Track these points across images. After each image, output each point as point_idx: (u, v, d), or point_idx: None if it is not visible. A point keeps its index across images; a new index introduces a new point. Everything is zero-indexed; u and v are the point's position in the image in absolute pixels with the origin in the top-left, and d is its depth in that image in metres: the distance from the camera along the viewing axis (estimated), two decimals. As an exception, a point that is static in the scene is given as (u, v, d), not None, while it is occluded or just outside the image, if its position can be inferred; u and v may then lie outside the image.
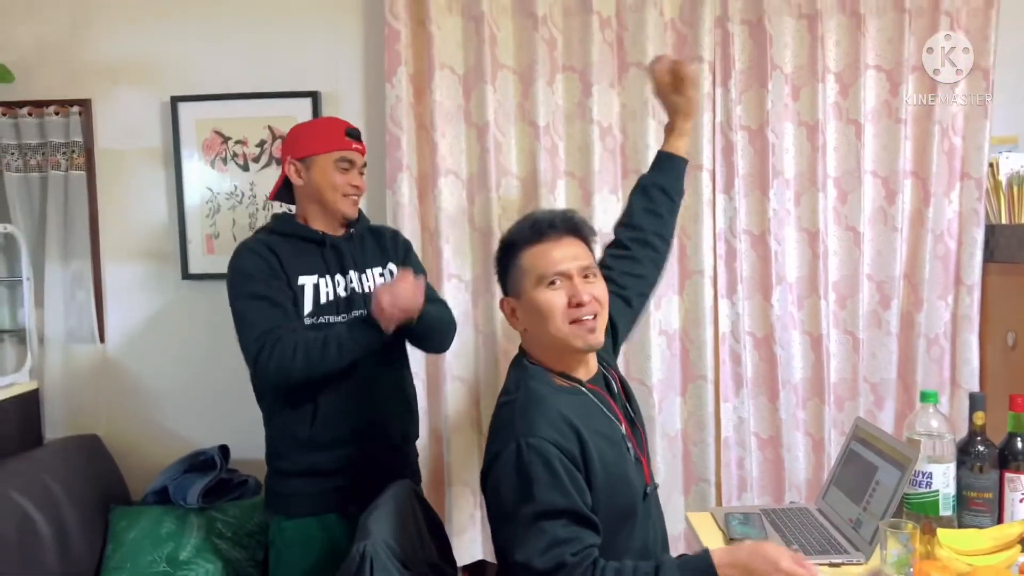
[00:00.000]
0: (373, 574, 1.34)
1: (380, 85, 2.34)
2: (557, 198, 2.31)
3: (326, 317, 1.81)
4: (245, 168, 2.45)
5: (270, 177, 2.39)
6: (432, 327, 1.84)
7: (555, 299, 1.43)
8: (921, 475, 1.55)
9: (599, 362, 1.55)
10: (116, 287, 2.52)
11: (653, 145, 2.24)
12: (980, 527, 1.55)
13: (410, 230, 2.29)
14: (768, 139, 2.28)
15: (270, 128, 2.43)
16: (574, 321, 1.42)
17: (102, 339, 2.52)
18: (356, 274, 1.87)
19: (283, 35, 2.42)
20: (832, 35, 2.29)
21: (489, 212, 2.29)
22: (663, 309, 2.34)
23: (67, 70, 2.47)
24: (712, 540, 1.63)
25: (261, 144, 2.44)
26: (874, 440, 1.68)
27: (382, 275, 1.92)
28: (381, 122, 2.33)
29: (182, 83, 2.44)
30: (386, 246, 1.96)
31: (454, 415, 2.35)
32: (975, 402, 1.64)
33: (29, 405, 2.45)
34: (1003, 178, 2.26)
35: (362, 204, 2.01)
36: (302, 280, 1.80)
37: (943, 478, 1.56)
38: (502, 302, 1.54)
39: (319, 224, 1.87)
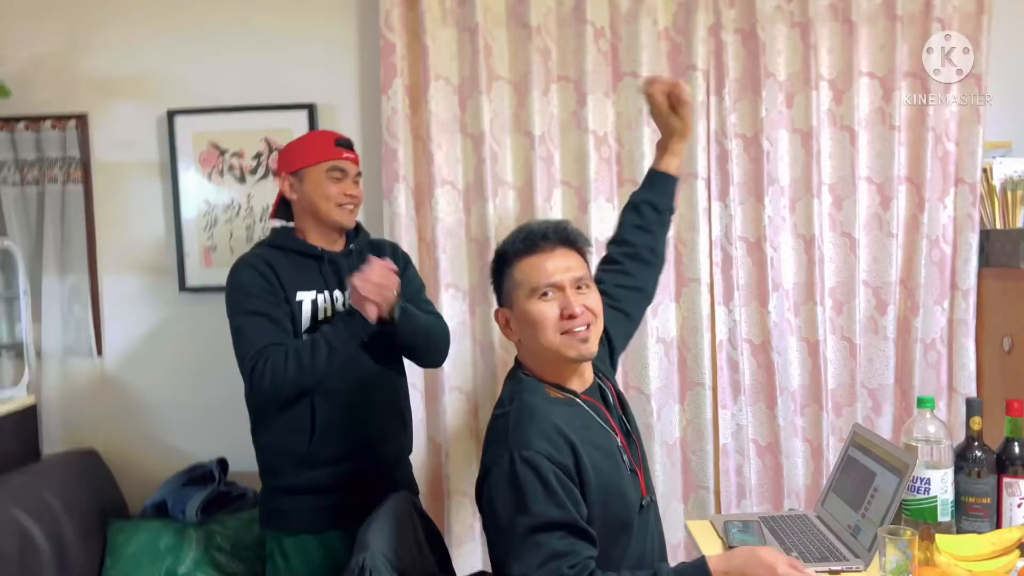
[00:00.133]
0: (372, 587, 1.33)
1: (376, 97, 2.35)
2: (553, 207, 2.32)
3: (324, 333, 1.81)
4: (242, 180, 2.45)
5: (267, 189, 2.40)
6: (419, 330, 1.83)
7: (547, 311, 1.43)
8: (919, 481, 1.55)
9: (595, 373, 1.55)
10: (113, 301, 2.52)
11: (648, 153, 2.25)
12: (979, 532, 1.55)
13: (407, 241, 2.30)
14: (763, 146, 2.29)
15: (267, 140, 2.43)
16: (565, 332, 1.43)
17: (100, 353, 2.52)
18: None
19: (279, 48, 2.43)
20: (825, 42, 2.30)
21: (486, 222, 2.30)
22: (660, 317, 2.34)
23: (63, 84, 2.47)
24: (711, 548, 1.63)
25: (258, 156, 2.44)
26: (872, 446, 1.68)
27: None
28: (377, 133, 2.34)
29: (178, 96, 2.45)
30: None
31: (453, 426, 2.35)
32: (972, 407, 1.64)
33: (27, 420, 2.45)
34: (997, 183, 2.27)
35: (359, 215, 2.01)
36: (300, 296, 1.80)
37: (941, 484, 1.56)
38: (496, 313, 1.54)
39: (317, 239, 1.86)
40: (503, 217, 2.32)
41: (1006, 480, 1.58)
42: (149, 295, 2.52)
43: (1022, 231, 2.18)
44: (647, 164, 1.94)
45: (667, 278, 2.32)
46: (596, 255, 1.82)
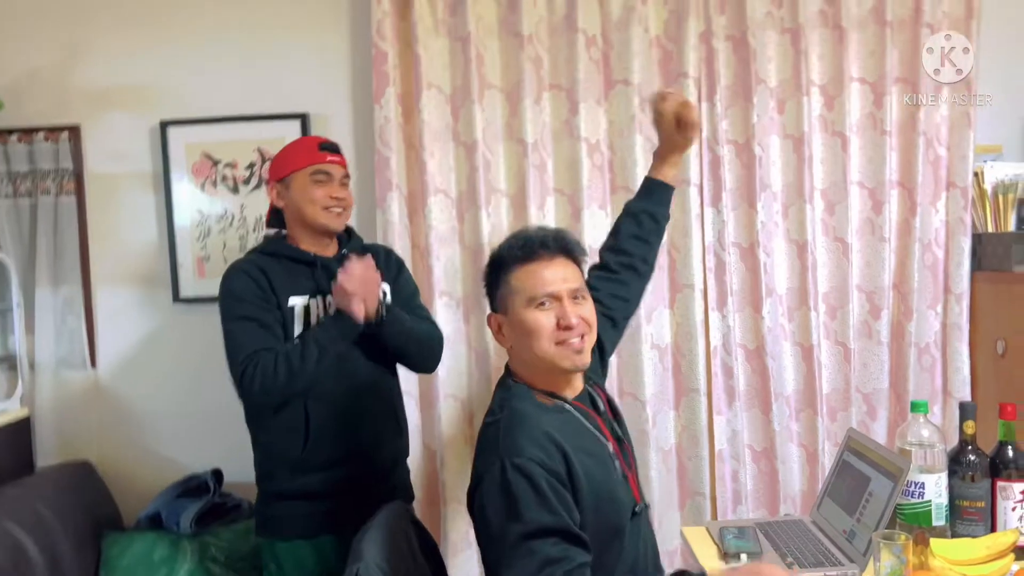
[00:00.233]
0: (366, 597, 1.33)
1: (368, 106, 2.35)
2: (547, 215, 2.33)
3: (316, 339, 1.81)
4: (235, 191, 2.45)
5: (260, 200, 2.40)
6: (407, 332, 1.83)
7: (543, 320, 1.43)
8: (913, 485, 1.56)
9: (585, 380, 1.55)
10: (107, 312, 2.52)
11: (640, 161, 2.25)
12: (973, 536, 1.55)
13: (400, 248, 2.30)
14: (755, 152, 2.29)
15: (259, 151, 2.44)
16: (560, 343, 1.43)
17: (93, 364, 2.51)
18: None
19: (271, 58, 2.44)
20: (816, 48, 2.31)
21: (479, 230, 2.30)
22: (654, 323, 2.35)
23: (56, 96, 2.48)
24: (707, 554, 1.63)
25: (251, 167, 2.44)
26: (867, 451, 1.68)
27: None
28: (370, 142, 2.35)
29: (171, 107, 2.45)
30: (379, 265, 1.96)
31: (448, 433, 2.35)
32: (965, 411, 1.64)
33: (20, 432, 2.44)
34: (988, 187, 2.28)
35: (353, 223, 2.01)
36: (292, 301, 1.80)
37: (935, 488, 1.56)
38: (489, 318, 1.53)
39: (309, 245, 1.87)
40: (496, 225, 2.32)
41: (1000, 484, 1.58)
42: (142, 306, 2.51)
43: (1014, 235, 2.19)
44: (640, 171, 1.95)
45: (661, 284, 2.33)
46: (589, 262, 1.82)
